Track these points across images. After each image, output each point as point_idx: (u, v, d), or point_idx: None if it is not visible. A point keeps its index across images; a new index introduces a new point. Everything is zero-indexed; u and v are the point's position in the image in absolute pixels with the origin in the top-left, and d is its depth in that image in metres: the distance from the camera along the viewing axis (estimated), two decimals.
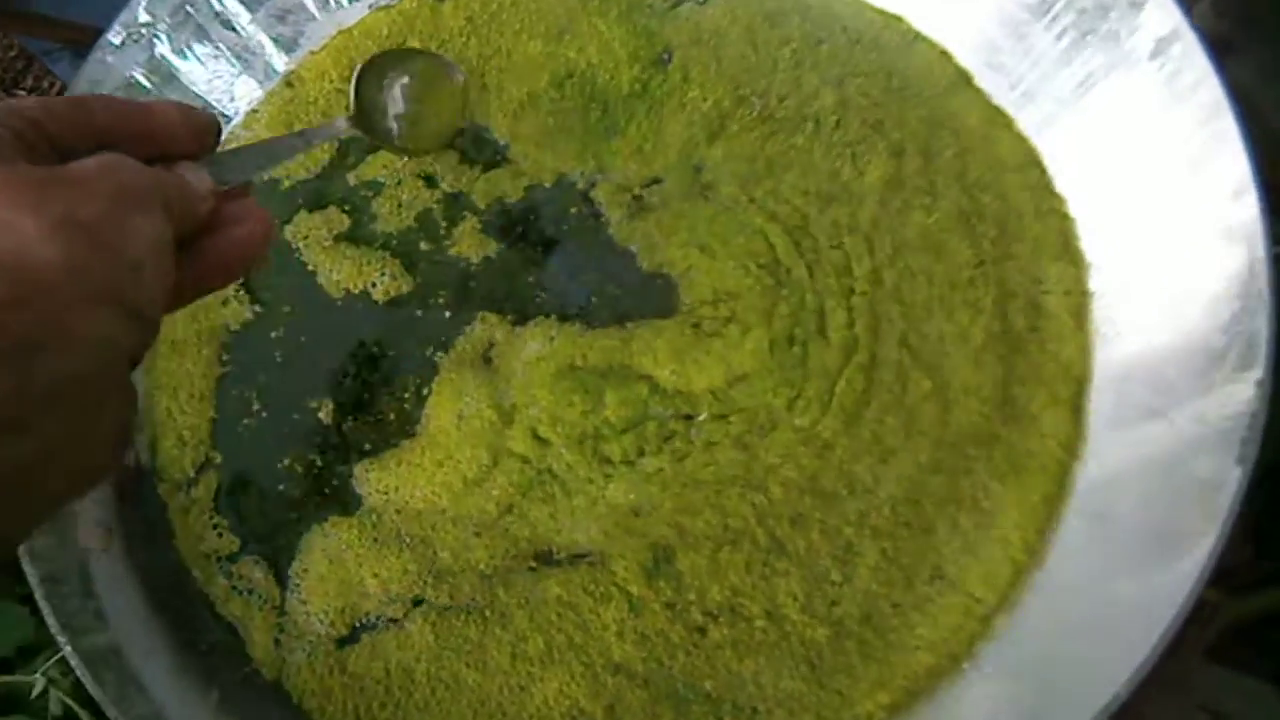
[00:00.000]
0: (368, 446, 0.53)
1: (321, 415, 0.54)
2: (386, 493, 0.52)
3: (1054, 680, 0.42)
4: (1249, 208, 0.43)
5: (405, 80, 0.56)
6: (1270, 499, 0.67)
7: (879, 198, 0.53)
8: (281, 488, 0.53)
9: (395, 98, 0.56)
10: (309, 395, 0.54)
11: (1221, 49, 0.73)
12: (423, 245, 0.57)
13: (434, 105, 0.57)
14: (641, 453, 0.49)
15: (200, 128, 0.34)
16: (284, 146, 0.42)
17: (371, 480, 0.52)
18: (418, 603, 0.49)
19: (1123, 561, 0.43)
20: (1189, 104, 0.47)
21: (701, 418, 0.50)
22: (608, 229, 0.55)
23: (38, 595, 0.45)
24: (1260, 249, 0.43)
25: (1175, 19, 0.47)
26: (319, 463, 0.53)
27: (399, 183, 0.58)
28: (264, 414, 0.55)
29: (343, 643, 0.49)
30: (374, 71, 0.55)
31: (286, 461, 0.53)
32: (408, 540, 0.50)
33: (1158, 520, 0.43)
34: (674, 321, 0.52)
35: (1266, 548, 0.67)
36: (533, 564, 0.49)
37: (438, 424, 0.52)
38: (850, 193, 0.53)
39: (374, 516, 0.51)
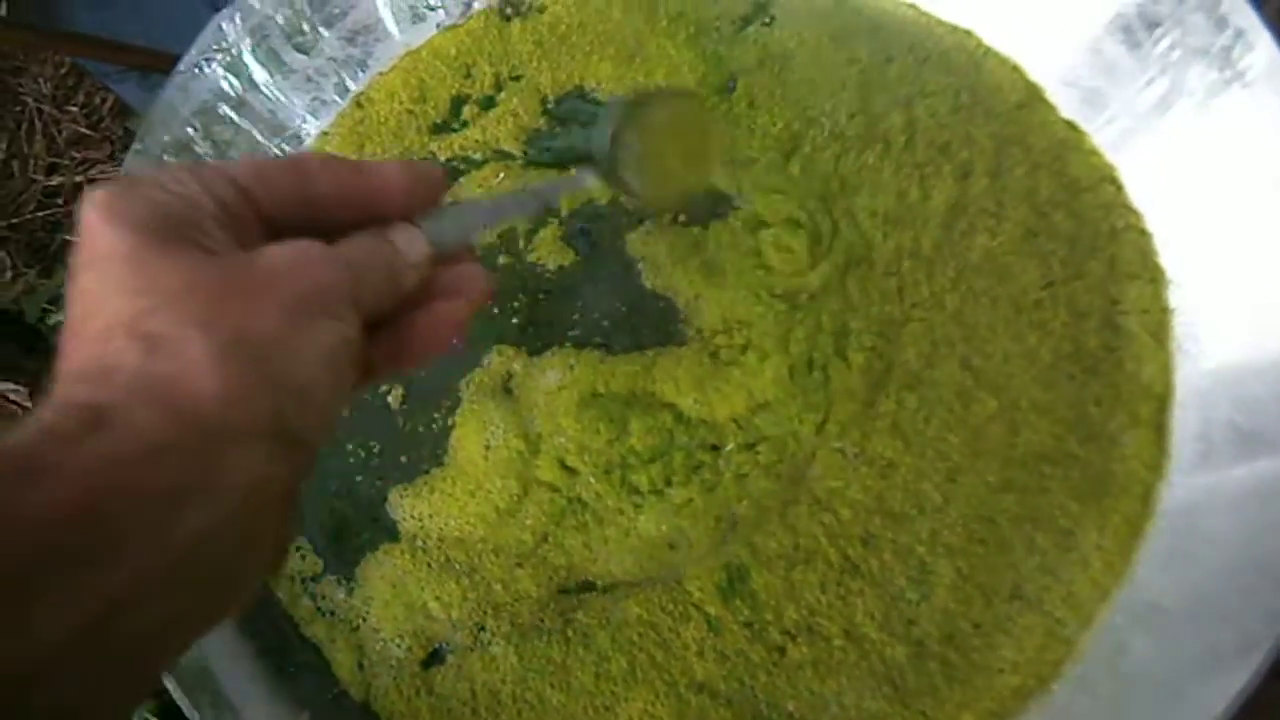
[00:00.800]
0: (403, 460, 0.54)
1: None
2: (420, 519, 0.53)
3: (1149, 701, 0.42)
4: None
5: (657, 125, 0.48)
6: None
7: (942, 221, 0.53)
8: (345, 511, 0.54)
9: (641, 145, 0.48)
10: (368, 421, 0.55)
11: None
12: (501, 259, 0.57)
13: (684, 155, 0.50)
14: (669, 482, 0.50)
15: (422, 186, 0.33)
16: (516, 202, 0.38)
17: (405, 506, 0.53)
18: (481, 628, 0.50)
19: (1216, 582, 0.43)
20: (1270, 115, 0.46)
21: (729, 448, 0.50)
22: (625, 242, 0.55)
23: None
24: None
25: (1258, 29, 0.47)
26: (366, 487, 0.54)
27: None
28: (337, 440, 0.55)
29: (428, 663, 0.50)
30: (628, 114, 0.47)
31: (338, 485, 0.54)
32: (459, 567, 0.51)
33: (1253, 544, 0.43)
34: (691, 349, 0.52)
35: None
36: (579, 594, 0.49)
37: (465, 454, 0.52)
38: (916, 216, 0.53)
39: (418, 543, 0.52)
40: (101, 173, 1.18)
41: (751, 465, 0.49)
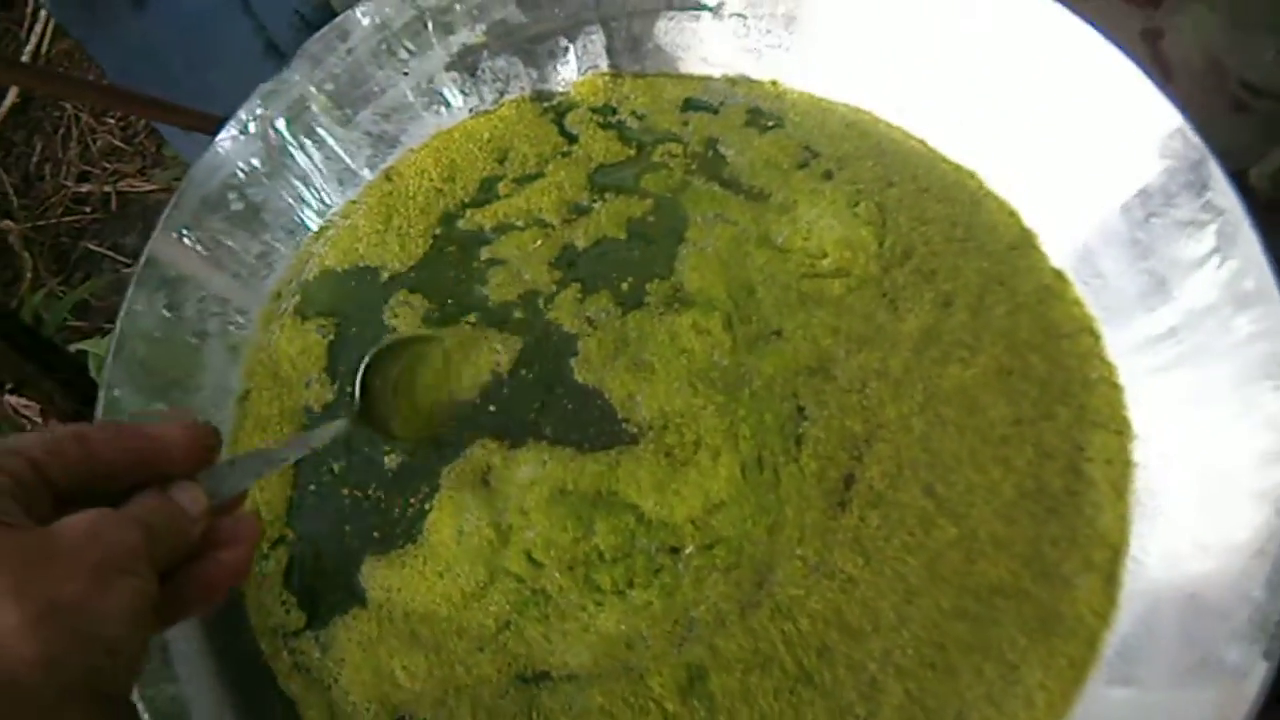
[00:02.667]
0: (375, 535, 0.56)
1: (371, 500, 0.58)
2: (389, 591, 0.55)
3: None
4: None
5: (399, 367, 0.56)
6: None
7: (915, 345, 0.56)
8: (324, 567, 0.56)
9: (391, 387, 0.55)
10: (371, 481, 0.58)
11: (1272, 215, 0.76)
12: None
13: (425, 388, 0.57)
14: (631, 584, 0.52)
15: (201, 445, 0.35)
16: (283, 453, 0.42)
17: (376, 577, 0.55)
18: (443, 704, 0.52)
19: None
20: (1242, 301, 0.49)
21: (688, 550, 0.52)
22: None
23: None
24: None
25: (1236, 212, 0.50)
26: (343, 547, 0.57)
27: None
28: (333, 496, 0.58)
29: None
30: (378, 364, 0.54)
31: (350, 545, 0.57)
32: (425, 642, 0.53)
33: (1184, 701, 0.45)
34: (648, 449, 0.55)
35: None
36: (532, 684, 0.51)
37: (439, 537, 0.55)
38: (885, 337, 0.56)
39: (384, 612, 0.54)
40: (130, 186, 1.21)
41: (709, 568, 0.52)
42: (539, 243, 0.63)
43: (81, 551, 0.28)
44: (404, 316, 0.62)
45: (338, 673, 0.53)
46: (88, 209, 1.21)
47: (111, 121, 1.25)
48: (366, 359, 0.53)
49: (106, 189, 1.21)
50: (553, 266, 0.62)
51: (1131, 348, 0.54)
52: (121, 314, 0.56)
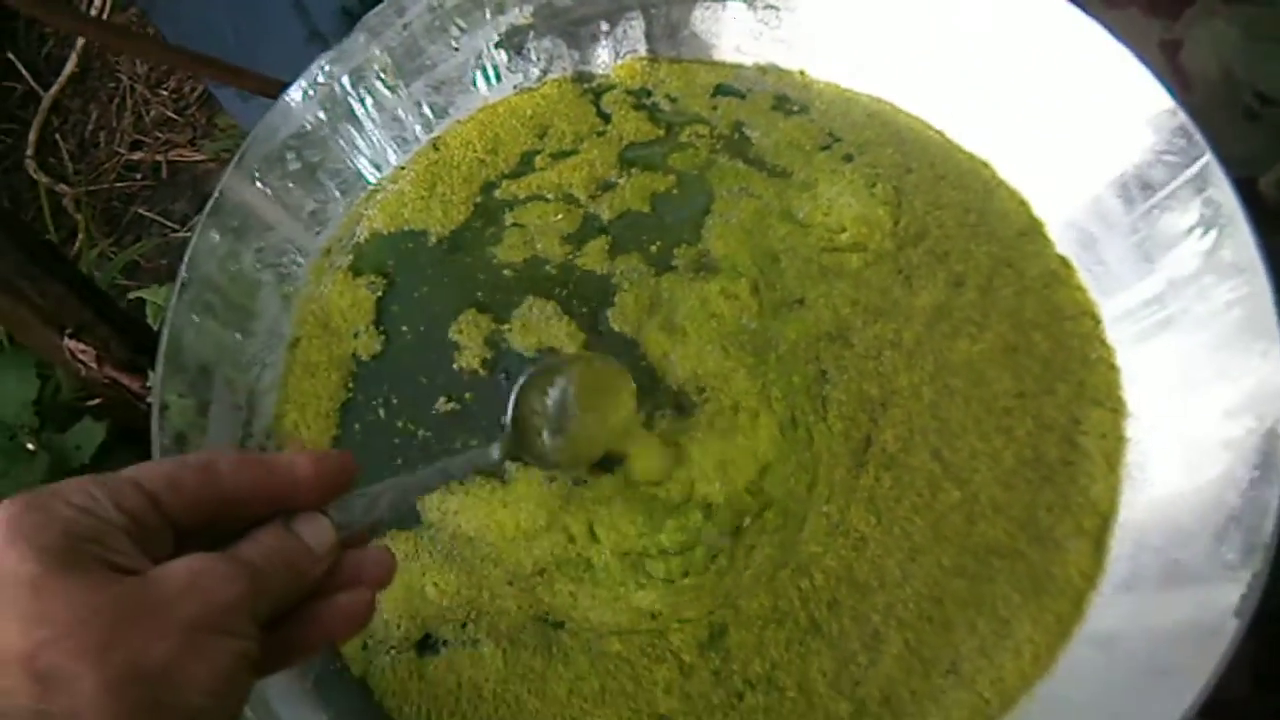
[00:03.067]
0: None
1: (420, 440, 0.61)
2: (445, 513, 0.58)
3: None
4: (1275, 388, 0.49)
5: (566, 390, 0.52)
6: (1273, 640, 0.72)
7: (926, 320, 0.59)
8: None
9: (554, 411, 0.52)
10: (418, 424, 0.62)
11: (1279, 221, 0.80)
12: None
13: (598, 416, 0.54)
14: (685, 574, 0.54)
15: (332, 476, 0.34)
16: (421, 482, 0.41)
17: (435, 500, 0.58)
18: (464, 625, 0.55)
19: (1121, 689, 0.48)
20: (1231, 284, 0.52)
21: (747, 523, 0.55)
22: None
23: None
24: None
25: (1231, 204, 0.53)
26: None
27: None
28: (378, 437, 0.62)
29: (422, 652, 0.56)
30: (534, 386, 0.51)
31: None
32: (460, 562, 0.56)
33: (1158, 657, 0.48)
34: (702, 428, 0.57)
35: (1266, 685, 0.72)
36: (550, 627, 0.55)
37: (529, 474, 0.58)
38: (899, 310, 0.60)
39: (432, 531, 0.58)
40: (180, 155, 1.26)
41: (760, 533, 0.55)
42: (559, 216, 0.66)
43: (177, 606, 0.27)
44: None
45: None
46: (139, 176, 1.26)
47: (165, 93, 1.30)
48: (518, 385, 0.51)
49: (158, 158, 1.26)
50: (565, 241, 0.65)
51: (1121, 316, 0.58)
52: (187, 256, 0.61)
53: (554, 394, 0.52)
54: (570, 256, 0.65)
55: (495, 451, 0.48)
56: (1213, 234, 0.54)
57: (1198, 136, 0.55)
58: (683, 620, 0.54)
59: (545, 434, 0.52)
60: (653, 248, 0.64)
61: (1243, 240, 0.53)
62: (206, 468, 0.31)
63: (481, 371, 0.62)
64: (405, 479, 0.40)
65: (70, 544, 0.27)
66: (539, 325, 0.63)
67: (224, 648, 0.28)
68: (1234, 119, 0.82)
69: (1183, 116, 0.56)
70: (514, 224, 0.66)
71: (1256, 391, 0.50)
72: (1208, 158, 0.54)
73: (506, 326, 0.63)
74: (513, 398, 0.50)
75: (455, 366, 0.62)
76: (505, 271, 0.65)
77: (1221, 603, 0.46)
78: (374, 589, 0.35)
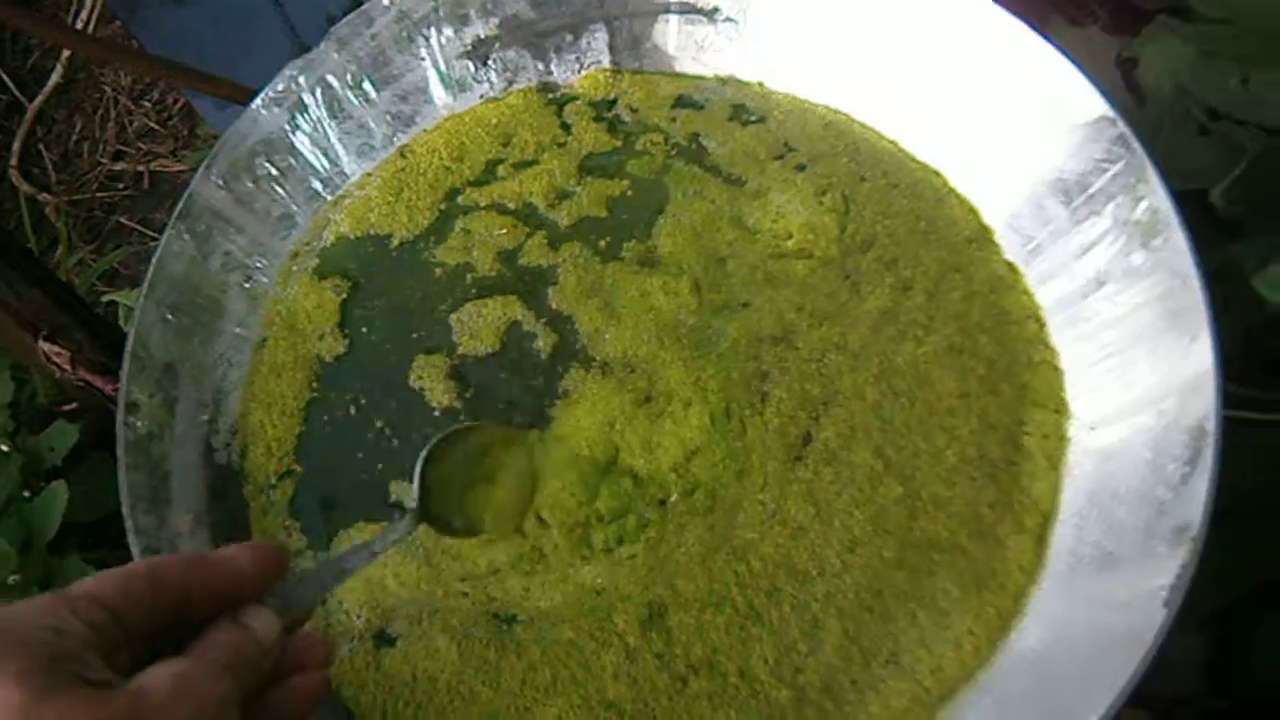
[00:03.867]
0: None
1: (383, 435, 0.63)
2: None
3: None
4: (1209, 402, 0.50)
5: (473, 459, 0.55)
6: (1221, 640, 0.74)
7: (873, 324, 0.61)
8: (346, 499, 0.61)
9: (461, 481, 0.54)
10: (380, 419, 0.63)
11: (1231, 231, 0.82)
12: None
13: (506, 484, 0.57)
14: (620, 541, 0.57)
15: (268, 565, 0.35)
16: (350, 563, 0.42)
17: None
18: (419, 621, 0.57)
19: (1058, 678, 0.50)
20: (1168, 283, 0.54)
21: (673, 499, 0.57)
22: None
23: None
24: (1211, 424, 0.50)
25: (1166, 208, 0.55)
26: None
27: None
28: (343, 432, 0.63)
29: (379, 644, 0.57)
30: (442, 457, 0.53)
31: (356, 477, 0.62)
32: (421, 553, 0.58)
33: (1093, 648, 0.49)
34: (628, 399, 0.60)
35: (1218, 686, 0.73)
36: (502, 622, 0.56)
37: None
38: (846, 314, 0.61)
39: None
40: (162, 166, 1.28)
41: (690, 513, 0.57)
42: (504, 231, 0.68)
43: (169, 713, 0.28)
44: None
45: None
46: (121, 185, 1.28)
47: (148, 104, 1.32)
48: (424, 454, 0.52)
49: (140, 168, 1.28)
50: (497, 259, 0.67)
51: (1064, 318, 0.60)
52: (155, 257, 0.62)
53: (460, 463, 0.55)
54: (515, 257, 0.68)
55: (405, 526, 0.49)
56: (1150, 237, 0.56)
57: (1136, 145, 0.57)
58: (624, 598, 0.55)
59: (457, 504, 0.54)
60: (601, 242, 0.67)
61: (1177, 244, 0.54)
62: (155, 575, 0.32)
63: (441, 373, 0.64)
64: (333, 560, 0.42)
65: (49, 666, 0.27)
66: (490, 316, 0.65)
67: None
68: (1187, 134, 0.84)
69: (1122, 126, 0.58)
70: (464, 229, 0.69)
71: (1185, 387, 0.51)
72: (1146, 164, 0.56)
73: (455, 319, 0.66)
74: (417, 472, 0.52)
75: (412, 365, 0.64)
76: (455, 273, 0.68)
77: (1152, 594, 0.48)
78: (322, 670, 0.36)
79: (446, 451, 0.54)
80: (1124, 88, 0.88)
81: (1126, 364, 0.56)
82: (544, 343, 0.64)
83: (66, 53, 1.37)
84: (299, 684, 0.35)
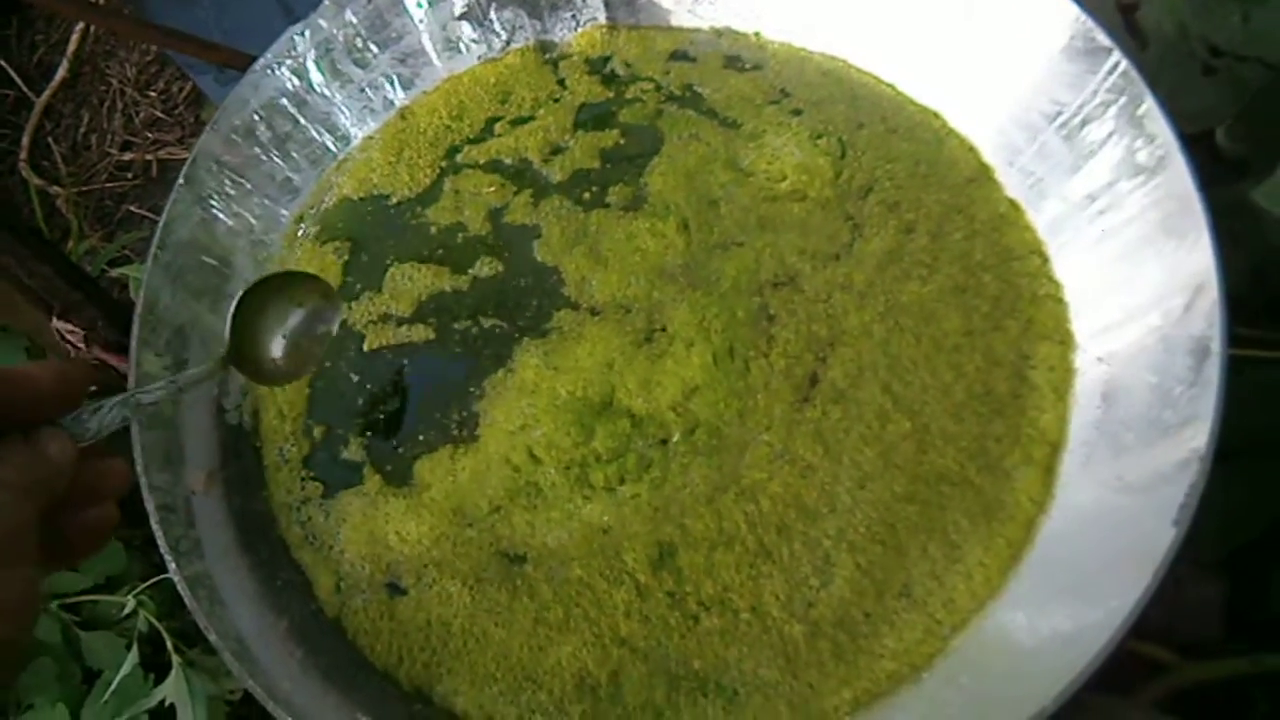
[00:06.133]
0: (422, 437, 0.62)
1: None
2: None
3: (998, 695, 0.49)
4: (1212, 315, 0.50)
5: (290, 311, 0.53)
6: (1239, 584, 0.73)
7: (877, 264, 0.61)
8: (346, 457, 0.62)
9: (277, 329, 0.53)
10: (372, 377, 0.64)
11: (1238, 169, 0.81)
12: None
13: (311, 334, 0.54)
14: (622, 480, 0.57)
15: (69, 387, 0.35)
16: (148, 395, 0.41)
17: (424, 467, 0.61)
18: (422, 572, 0.57)
19: (1067, 602, 0.50)
20: (1168, 205, 0.54)
21: (675, 439, 0.58)
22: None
23: (153, 521, 0.54)
24: (1216, 347, 0.50)
25: (1169, 143, 0.54)
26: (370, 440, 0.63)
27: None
28: (341, 386, 0.64)
29: (393, 594, 0.57)
30: (253, 303, 0.51)
31: (356, 436, 0.62)
32: (422, 508, 0.59)
33: (1100, 569, 0.49)
34: (627, 338, 0.60)
35: (1238, 627, 0.73)
36: (513, 562, 0.57)
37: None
38: (851, 256, 0.62)
39: (395, 478, 0.60)
40: (170, 154, 1.29)
41: (693, 453, 0.57)
42: (492, 189, 0.69)
43: None
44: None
45: (337, 531, 0.59)
46: (130, 175, 1.29)
47: (153, 94, 1.33)
48: (237, 297, 0.51)
49: (148, 157, 1.29)
50: (488, 218, 0.68)
51: (1067, 249, 0.60)
52: (162, 222, 0.63)
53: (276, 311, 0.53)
54: (499, 216, 0.68)
55: (211, 366, 0.49)
56: (1149, 163, 0.55)
57: (1134, 73, 0.57)
58: (632, 537, 0.56)
59: (269, 346, 0.52)
60: (587, 193, 0.67)
61: (1177, 168, 0.54)
62: None
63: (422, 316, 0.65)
64: (132, 392, 0.41)
65: None
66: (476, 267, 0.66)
67: (19, 575, 0.29)
68: (1190, 74, 0.83)
69: (1119, 55, 0.58)
70: (453, 190, 0.69)
71: (1185, 289, 0.51)
72: (1143, 92, 0.56)
73: (435, 273, 0.66)
74: (231, 308, 0.50)
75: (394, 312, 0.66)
76: (447, 232, 0.68)
77: (1161, 513, 0.48)
78: (115, 499, 0.36)
79: (255, 299, 0.52)
80: (1126, 30, 0.87)
81: (1129, 284, 0.56)
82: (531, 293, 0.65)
83: (73, 47, 1.38)
84: (89, 518, 0.35)
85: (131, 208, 1.25)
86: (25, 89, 1.38)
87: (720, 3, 0.72)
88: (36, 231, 0.78)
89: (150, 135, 1.31)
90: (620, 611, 0.54)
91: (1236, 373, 0.80)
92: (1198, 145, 0.79)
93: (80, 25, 1.34)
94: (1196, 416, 0.49)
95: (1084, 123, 0.59)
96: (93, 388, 0.96)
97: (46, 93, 1.36)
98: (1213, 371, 0.50)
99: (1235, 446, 0.73)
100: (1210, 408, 0.49)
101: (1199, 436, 0.49)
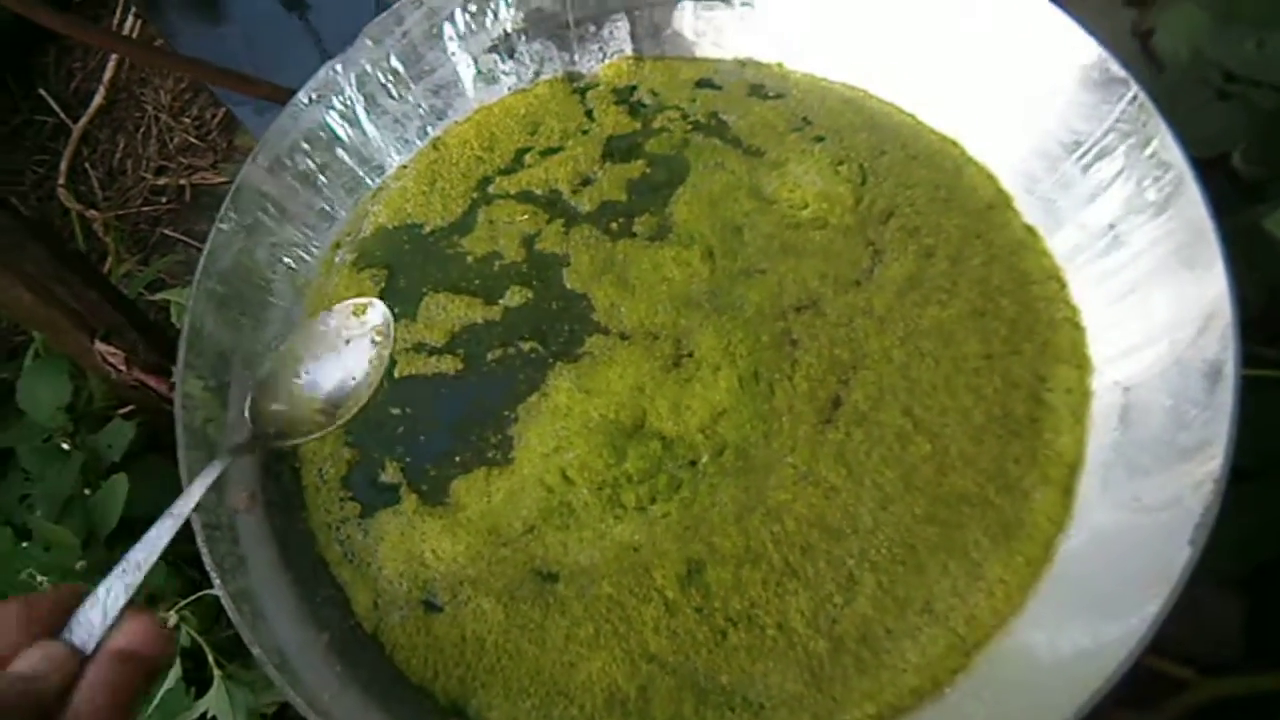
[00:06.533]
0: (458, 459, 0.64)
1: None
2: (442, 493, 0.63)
3: (1019, 709, 0.50)
4: (1226, 339, 0.51)
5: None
6: (1260, 603, 0.74)
7: (898, 289, 0.63)
8: (384, 479, 0.64)
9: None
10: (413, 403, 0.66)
11: (1256, 191, 0.82)
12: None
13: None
14: (653, 500, 0.59)
15: (39, 618, 0.34)
16: (149, 549, 0.42)
17: (459, 488, 0.63)
18: (458, 588, 0.59)
19: (1086, 619, 0.51)
20: (1183, 233, 0.55)
21: (704, 460, 0.59)
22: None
23: (199, 539, 0.56)
24: (1229, 370, 0.52)
25: (1183, 173, 0.56)
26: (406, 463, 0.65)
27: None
28: (386, 422, 0.66)
29: (429, 610, 0.59)
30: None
31: (392, 460, 0.65)
32: (460, 532, 0.60)
33: (1118, 587, 0.51)
34: (656, 363, 0.62)
35: (1258, 649, 0.73)
36: (546, 580, 0.59)
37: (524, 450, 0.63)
38: (872, 281, 0.64)
39: (434, 498, 0.62)
40: (203, 179, 1.32)
41: (721, 474, 0.59)
42: (524, 217, 0.71)
43: None
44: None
45: (376, 549, 0.61)
46: (164, 199, 1.32)
47: (187, 120, 1.36)
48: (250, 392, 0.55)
49: (182, 182, 1.32)
50: (522, 245, 0.70)
51: (1086, 277, 0.61)
52: (206, 249, 0.65)
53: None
54: (531, 244, 0.71)
55: (217, 464, 0.51)
56: (1164, 191, 0.57)
57: (1148, 103, 0.58)
58: (662, 555, 0.57)
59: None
60: (614, 224, 0.69)
61: (1191, 195, 0.56)
62: None
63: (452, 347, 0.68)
64: (130, 555, 0.41)
65: None
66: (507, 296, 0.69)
67: None
68: (1206, 99, 0.85)
69: (1134, 85, 0.59)
70: (487, 220, 0.72)
71: (1200, 316, 0.53)
72: (1158, 121, 0.58)
73: (468, 304, 0.69)
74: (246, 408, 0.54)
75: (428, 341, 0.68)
76: (483, 261, 0.71)
77: (1177, 533, 0.49)
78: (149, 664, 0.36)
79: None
80: (1142, 57, 0.89)
81: (1144, 309, 0.57)
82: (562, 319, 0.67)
83: (109, 75, 1.42)
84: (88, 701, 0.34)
85: (166, 231, 1.28)
86: (63, 116, 1.42)
87: (743, 34, 0.74)
88: (82, 256, 0.81)
89: (184, 160, 1.34)
90: (649, 628, 0.56)
91: (1257, 392, 0.82)
92: (1215, 168, 0.80)
93: (116, 54, 1.38)
94: (1211, 439, 0.50)
95: (1101, 152, 0.61)
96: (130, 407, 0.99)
97: (84, 119, 1.40)
98: (1226, 395, 0.51)
99: (1256, 467, 0.75)
100: (1224, 431, 0.50)
101: (1214, 459, 0.50)
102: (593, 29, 0.75)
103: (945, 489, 0.57)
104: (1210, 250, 0.54)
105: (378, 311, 0.59)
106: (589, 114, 0.75)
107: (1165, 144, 0.57)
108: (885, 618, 0.55)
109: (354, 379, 0.58)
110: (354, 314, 0.60)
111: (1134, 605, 0.49)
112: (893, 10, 0.69)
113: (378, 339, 0.58)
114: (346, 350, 0.59)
